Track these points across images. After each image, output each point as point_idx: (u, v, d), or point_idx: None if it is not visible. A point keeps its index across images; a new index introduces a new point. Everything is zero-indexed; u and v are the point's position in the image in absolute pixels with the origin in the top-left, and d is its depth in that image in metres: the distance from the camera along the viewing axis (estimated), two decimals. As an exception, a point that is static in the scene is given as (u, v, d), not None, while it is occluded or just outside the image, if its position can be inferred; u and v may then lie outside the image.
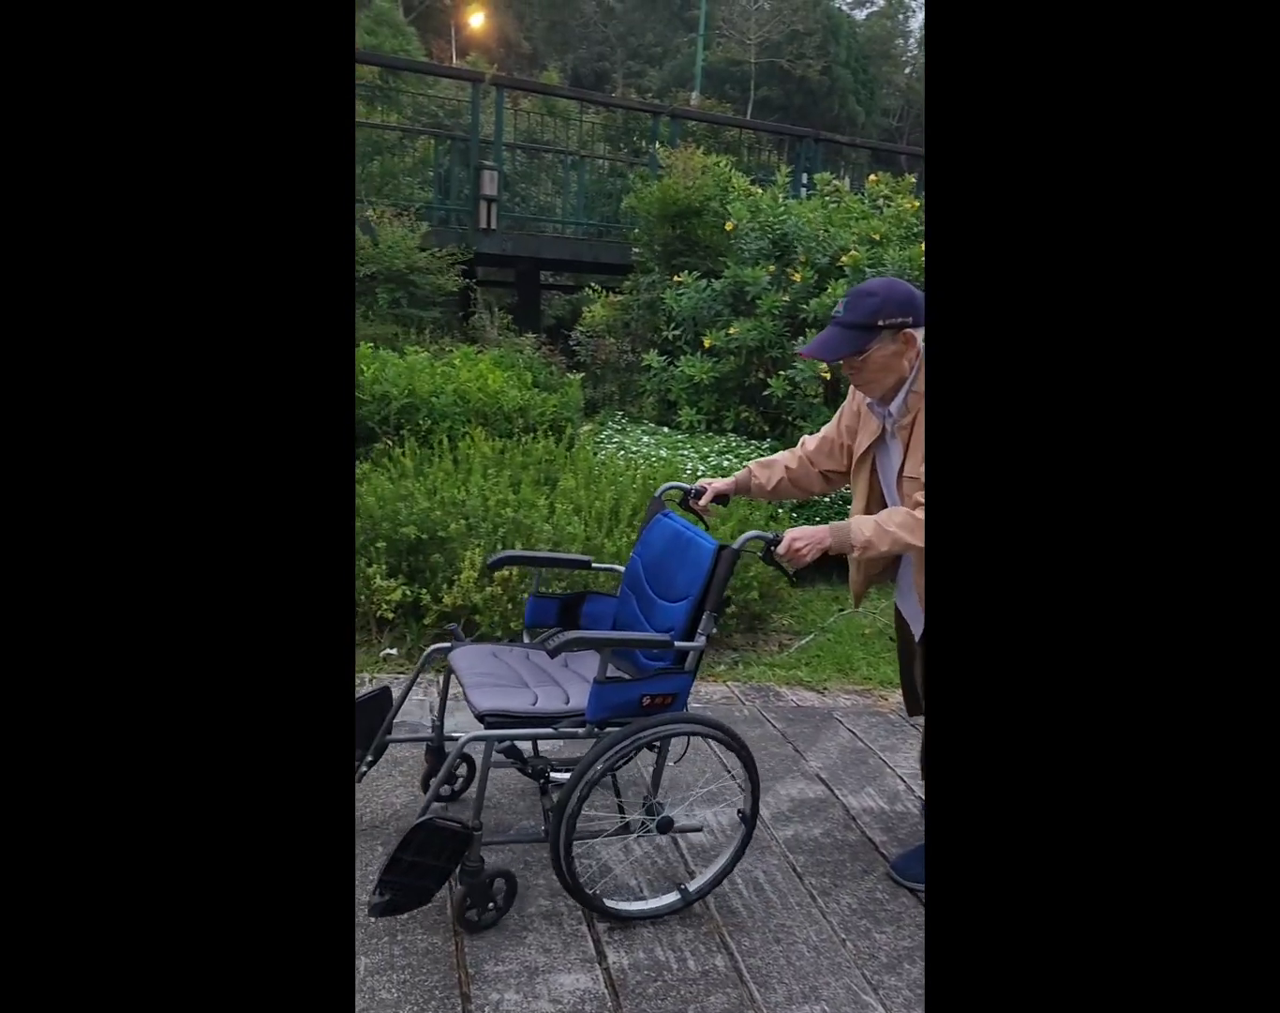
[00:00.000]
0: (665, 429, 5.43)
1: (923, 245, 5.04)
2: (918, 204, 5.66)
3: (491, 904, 1.81)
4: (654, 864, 2.10)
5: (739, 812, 1.99)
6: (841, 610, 4.16)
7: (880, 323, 1.84)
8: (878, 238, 5.33)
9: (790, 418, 5.18)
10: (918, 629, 2.13)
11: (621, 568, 2.25)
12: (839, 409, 2.17)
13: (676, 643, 1.85)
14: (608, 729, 1.81)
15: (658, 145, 7.26)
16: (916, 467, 1.88)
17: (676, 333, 5.66)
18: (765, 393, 4.96)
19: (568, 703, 1.86)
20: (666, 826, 1.93)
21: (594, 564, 2.32)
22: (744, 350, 5.21)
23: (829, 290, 4.96)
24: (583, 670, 2.03)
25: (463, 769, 2.28)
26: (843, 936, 1.95)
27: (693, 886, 1.96)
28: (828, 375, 4.76)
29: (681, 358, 5.47)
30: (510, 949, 1.78)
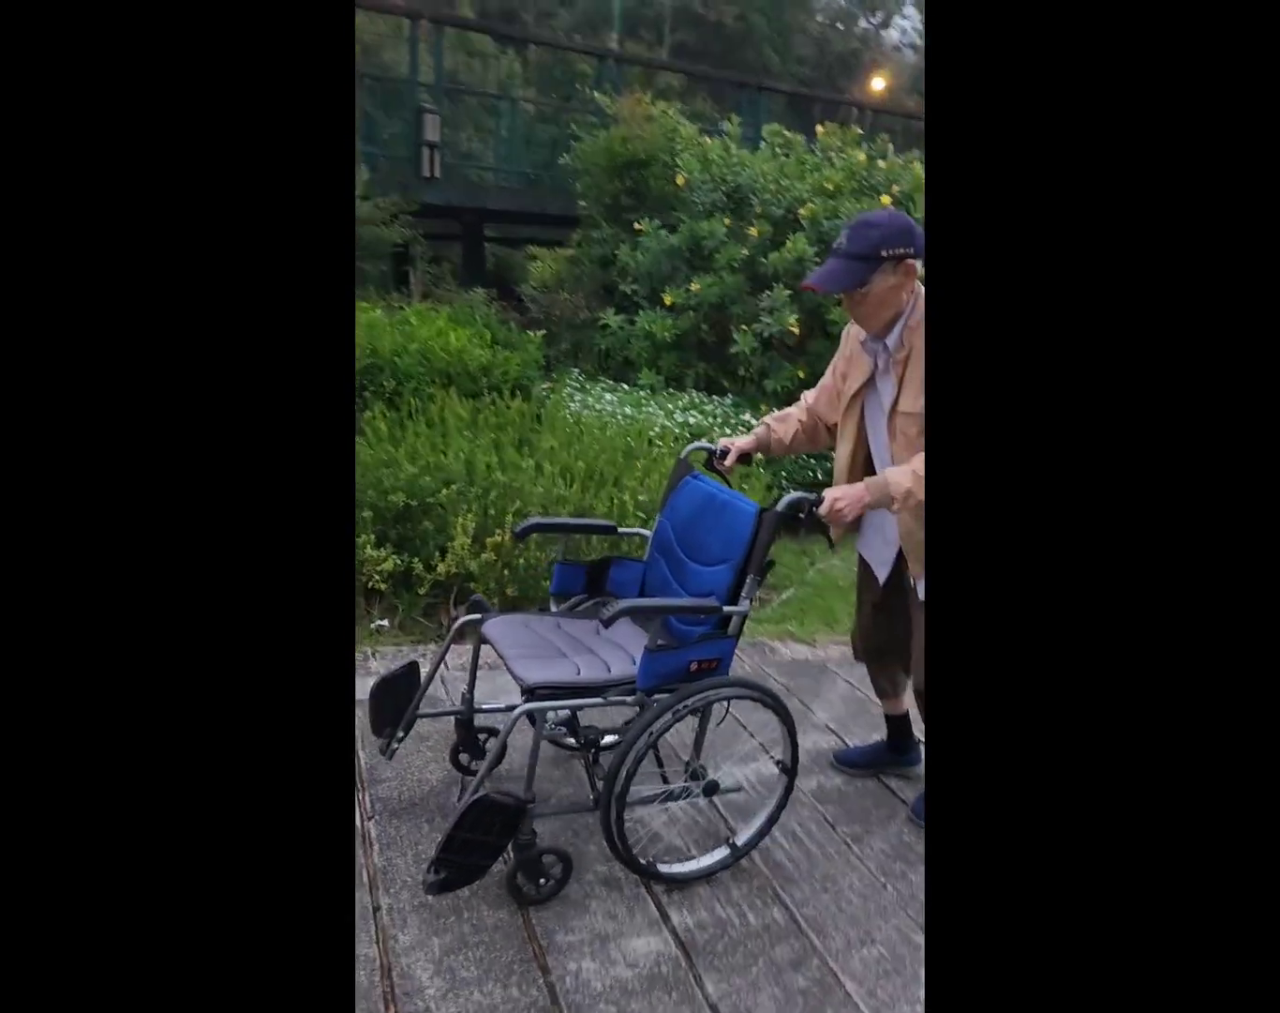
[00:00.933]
0: (625, 387, 5.39)
1: (882, 197, 5.10)
2: (864, 157, 5.71)
3: (543, 880, 1.79)
4: (697, 824, 2.14)
5: (779, 763, 2.03)
6: (813, 564, 4.26)
7: (883, 253, 1.83)
8: (832, 189, 5.36)
9: (750, 374, 5.21)
10: (883, 574, 2.17)
11: (647, 532, 2.24)
12: (833, 360, 2.17)
13: (724, 608, 1.85)
14: (655, 696, 1.80)
15: (598, 94, 7.08)
16: (913, 401, 1.89)
17: (634, 288, 5.60)
18: (733, 350, 4.97)
19: (610, 672, 1.84)
20: (713, 789, 1.96)
21: (620, 529, 2.31)
22: (704, 307, 5.20)
23: (788, 244, 4.97)
24: (616, 638, 2.00)
25: (491, 743, 2.24)
26: (882, 880, 2.03)
27: (740, 839, 2.01)
28: (796, 329, 4.79)
29: (640, 315, 5.42)
30: (577, 918, 1.79)
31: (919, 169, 5.54)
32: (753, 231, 5.18)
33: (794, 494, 1.86)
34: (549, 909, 1.79)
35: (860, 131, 6.24)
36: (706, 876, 1.94)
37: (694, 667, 1.82)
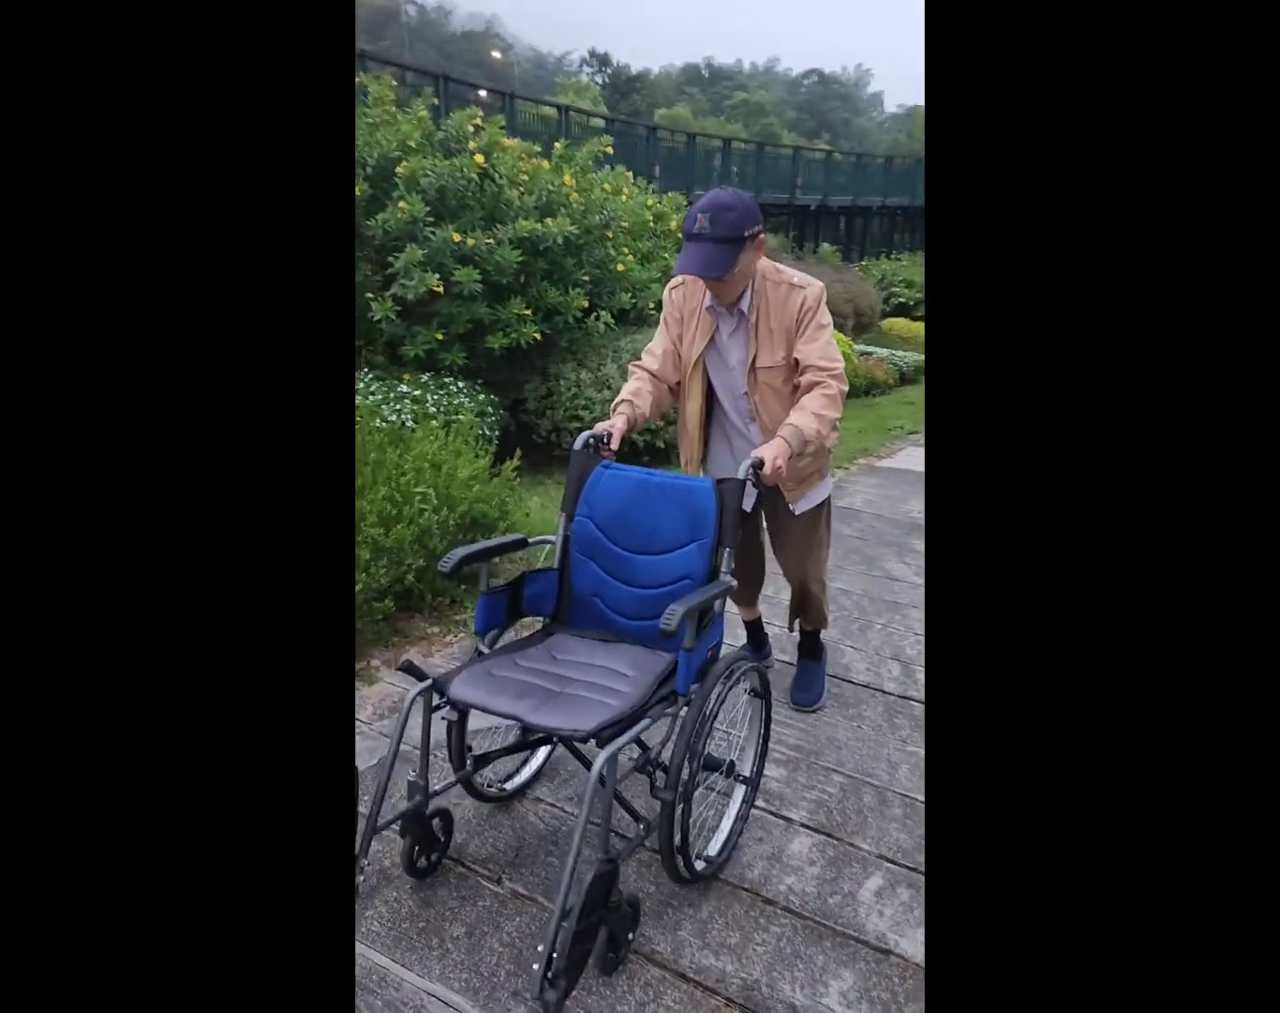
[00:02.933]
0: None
1: (475, 156, 5.19)
2: (424, 112, 5.66)
3: (630, 934, 1.67)
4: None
5: (750, 690, 2.03)
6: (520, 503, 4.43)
7: (746, 234, 2.01)
8: (413, 145, 5.27)
9: (384, 341, 4.99)
10: (749, 504, 2.35)
11: (551, 538, 2.07)
12: (661, 322, 2.29)
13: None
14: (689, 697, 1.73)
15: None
16: (772, 355, 2.14)
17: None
18: (374, 319, 4.69)
19: (625, 689, 1.73)
20: (733, 768, 1.94)
21: (530, 540, 2.09)
22: (321, 277, 4.76)
23: (402, 205, 4.81)
24: (571, 657, 1.90)
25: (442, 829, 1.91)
26: (871, 732, 2.56)
27: (745, 769, 2.05)
28: (440, 289, 4.71)
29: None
30: (739, 856, 1.96)
31: (476, 122, 5.72)
32: (358, 190, 4.86)
33: (747, 460, 1.90)
34: (737, 880, 1.93)
35: (395, 84, 6.11)
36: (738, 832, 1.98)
37: (710, 654, 1.81)
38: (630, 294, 5.84)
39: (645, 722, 1.67)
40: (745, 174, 15.25)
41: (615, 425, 2.10)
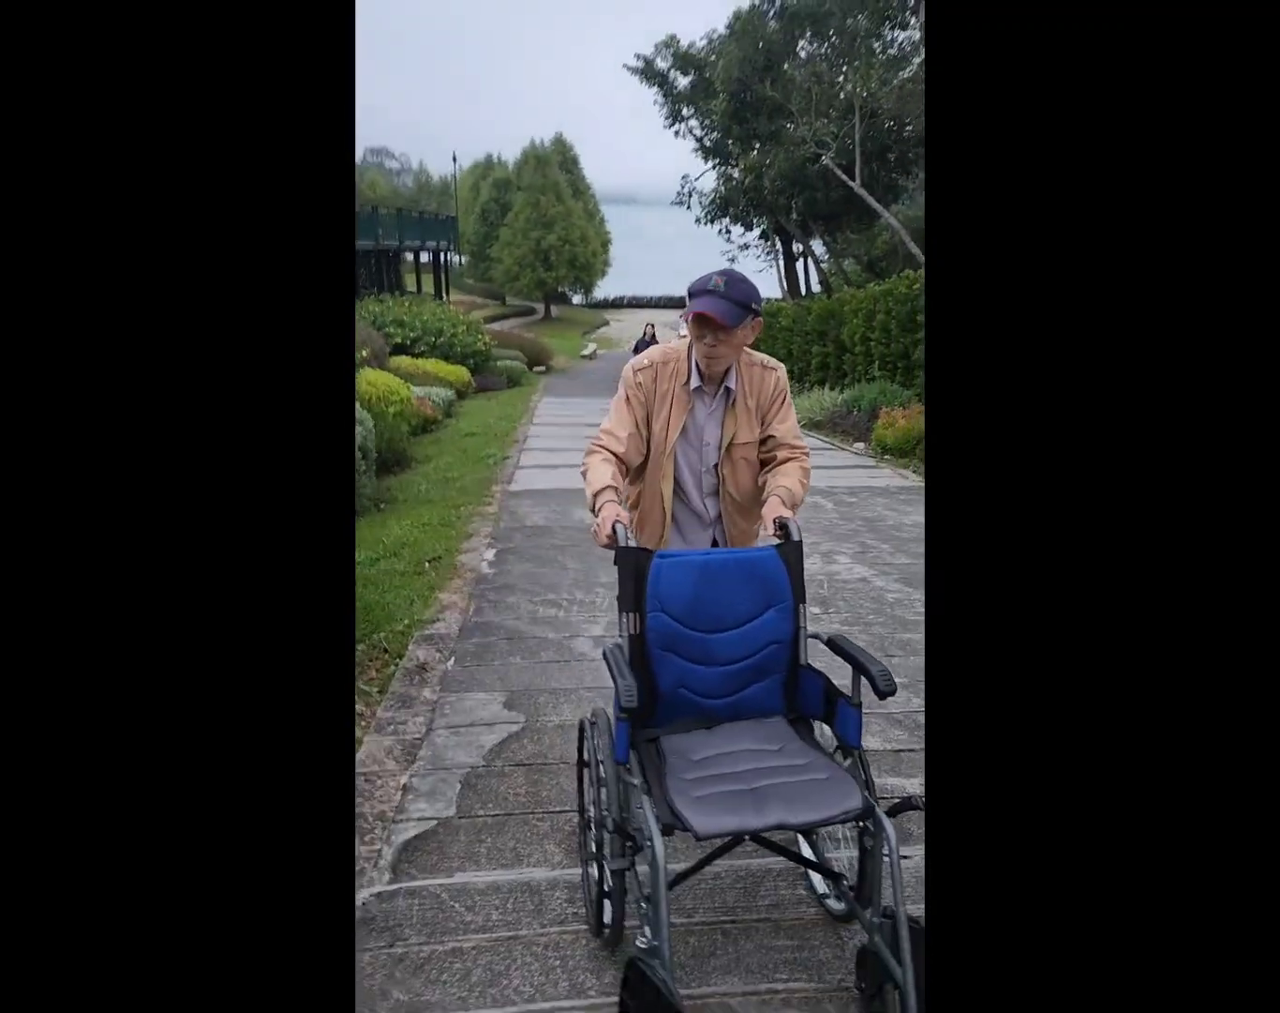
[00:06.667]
0: None
1: None
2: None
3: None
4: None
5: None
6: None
7: (754, 306, 2.09)
8: None
9: None
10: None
11: (620, 640, 1.92)
12: (621, 403, 2.22)
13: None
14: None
15: None
16: (749, 432, 2.22)
17: None
18: None
19: (799, 761, 1.80)
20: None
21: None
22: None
23: None
24: (707, 752, 1.88)
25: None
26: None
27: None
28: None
29: None
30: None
31: None
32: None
33: (785, 525, 2.00)
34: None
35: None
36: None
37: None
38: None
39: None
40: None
41: (623, 516, 2.00)
